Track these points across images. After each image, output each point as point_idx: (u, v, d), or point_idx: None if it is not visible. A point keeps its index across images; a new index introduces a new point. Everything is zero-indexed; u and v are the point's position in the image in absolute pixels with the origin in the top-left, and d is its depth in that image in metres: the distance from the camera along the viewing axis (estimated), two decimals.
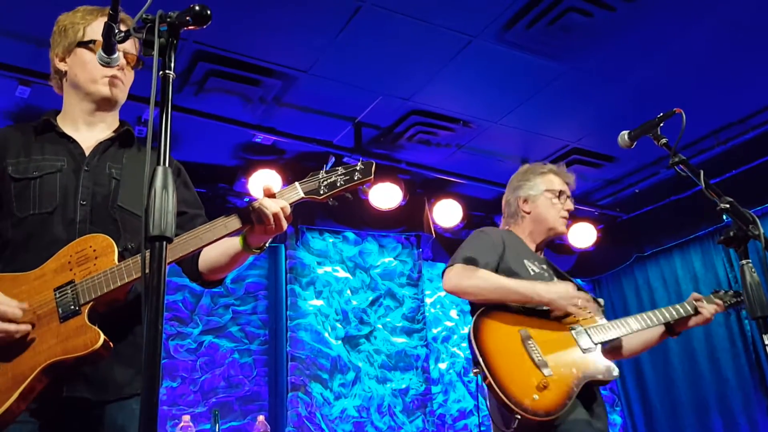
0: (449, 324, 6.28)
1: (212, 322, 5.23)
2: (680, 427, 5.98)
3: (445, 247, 5.99)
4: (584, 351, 2.64)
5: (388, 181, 5.10)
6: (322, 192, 1.83)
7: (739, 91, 4.62)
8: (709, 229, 5.85)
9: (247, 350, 5.28)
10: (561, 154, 5.31)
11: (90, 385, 1.76)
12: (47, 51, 2.06)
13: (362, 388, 5.38)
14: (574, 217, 5.36)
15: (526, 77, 4.34)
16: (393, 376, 5.54)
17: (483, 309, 2.67)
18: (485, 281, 2.65)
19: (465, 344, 6.24)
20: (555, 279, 2.86)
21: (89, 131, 2.01)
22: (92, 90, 1.97)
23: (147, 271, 1.29)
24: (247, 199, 5.04)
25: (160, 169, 1.33)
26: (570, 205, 3.01)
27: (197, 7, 1.44)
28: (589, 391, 2.59)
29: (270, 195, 1.79)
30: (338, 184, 1.84)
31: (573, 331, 2.69)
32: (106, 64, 1.69)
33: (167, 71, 1.41)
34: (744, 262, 2.04)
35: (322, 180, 1.84)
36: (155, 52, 1.42)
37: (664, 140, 2.27)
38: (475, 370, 2.56)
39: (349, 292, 5.64)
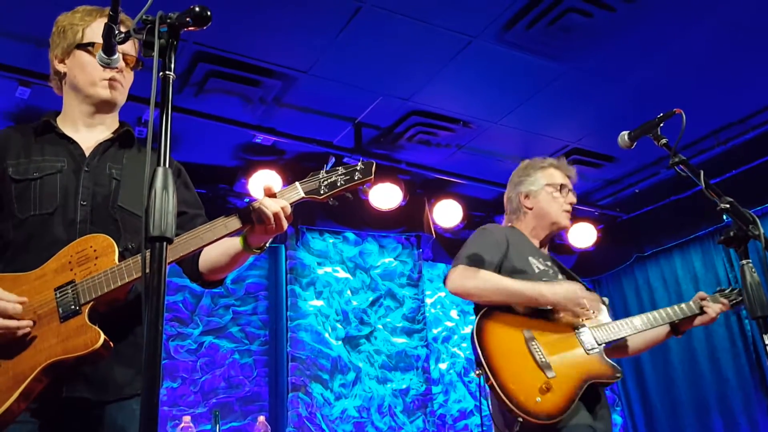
0: (449, 324, 6.28)
1: (212, 323, 5.23)
2: (680, 427, 5.98)
3: (446, 247, 6.00)
4: (588, 352, 2.62)
5: (388, 182, 5.10)
6: (322, 192, 1.83)
7: (739, 91, 4.63)
8: (709, 229, 5.85)
9: (247, 351, 5.28)
10: (561, 155, 5.30)
11: (90, 385, 1.76)
12: (47, 51, 2.05)
13: (363, 389, 5.38)
14: (574, 217, 5.36)
15: (526, 77, 4.34)
16: (393, 377, 5.54)
17: (486, 309, 2.65)
18: (488, 282, 2.62)
19: (465, 344, 6.24)
20: (560, 276, 2.84)
21: (89, 132, 2.01)
22: (91, 92, 1.97)
23: (147, 271, 1.29)
24: (247, 200, 5.04)
25: (160, 170, 1.33)
26: (572, 198, 2.97)
27: (197, 8, 1.44)
28: (593, 392, 2.57)
29: (270, 195, 1.79)
30: (338, 184, 1.84)
31: (577, 332, 2.67)
32: (107, 65, 1.69)
33: (167, 72, 1.41)
34: (744, 262, 2.03)
35: (322, 180, 1.84)
36: (155, 53, 1.42)
37: (664, 140, 2.27)
38: (477, 372, 2.53)
39: (349, 292, 5.64)
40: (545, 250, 2.98)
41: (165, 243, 1.30)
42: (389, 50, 4.00)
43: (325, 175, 1.84)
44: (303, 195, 1.82)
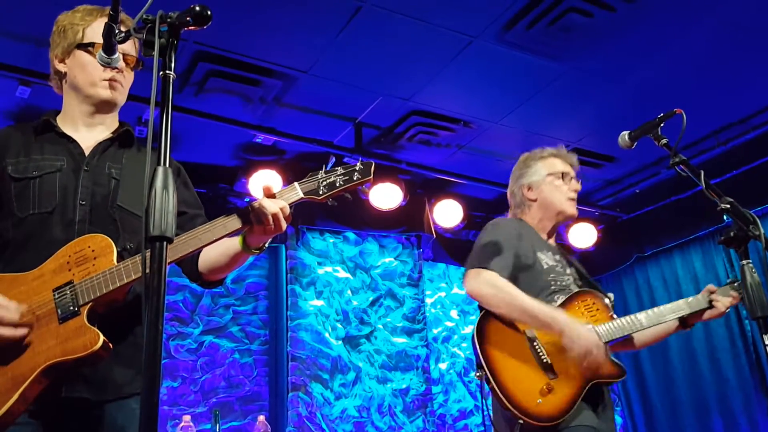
0: (449, 324, 6.28)
1: (213, 322, 5.23)
2: (680, 427, 5.97)
3: (446, 247, 6.00)
4: None
5: (389, 182, 5.10)
6: (321, 192, 1.82)
7: (740, 92, 4.62)
8: (709, 230, 5.86)
9: (247, 350, 5.28)
10: None
11: (89, 385, 1.75)
12: (47, 51, 2.05)
13: (363, 388, 5.38)
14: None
15: (527, 77, 4.34)
16: (393, 376, 5.54)
17: (487, 309, 2.60)
18: (505, 296, 2.51)
19: (465, 344, 6.24)
20: (568, 270, 2.78)
21: (89, 132, 2.00)
22: (91, 93, 1.97)
23: (147, 271, 1.29)
24: (247, 200, 5.04)
25: (160, 170, 1.33)
26: (576, 185, 2.89)
27: (197, 8, 1.43)
28: (597, 391, 2.52)
29: (270, 194, 1.78)
30: (337, 185, 1.83)
31: None
32: (107, 65, 1.69)
33: (167, 71, 1.41)
34: (744, 262, 2.03)
35: (321, 180, 1.83)
36: (155, 53, 1.42)
37: (664, 140, 2.26)
38: (477, 374, 2.50)
39: (349, 292, 5.64)
40: (552, 241, 2.90)
41: (165, 243, 1.30)
42: (389, 50, 3.99)
43: (324, 175, 1.83)
44: (302, 195, 1.82)
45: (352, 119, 4.75)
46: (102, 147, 1.98)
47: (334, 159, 4.91)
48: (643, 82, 4.39)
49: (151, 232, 1.29)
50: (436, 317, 6.23)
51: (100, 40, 1.67)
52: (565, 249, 3.13)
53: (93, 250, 1.76)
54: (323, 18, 3.69)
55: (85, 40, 1.97)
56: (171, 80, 1.41)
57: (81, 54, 1.97)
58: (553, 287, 2.68)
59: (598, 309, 2.66)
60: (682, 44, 4.05)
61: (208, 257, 1.94)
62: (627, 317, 2.70)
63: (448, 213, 5.65)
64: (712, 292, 2.84)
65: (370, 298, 5.70)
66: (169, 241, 1.30)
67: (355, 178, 1.84)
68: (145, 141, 1.57)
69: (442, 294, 6.34)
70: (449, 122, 4.81)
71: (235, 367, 5.19)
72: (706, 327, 5.78)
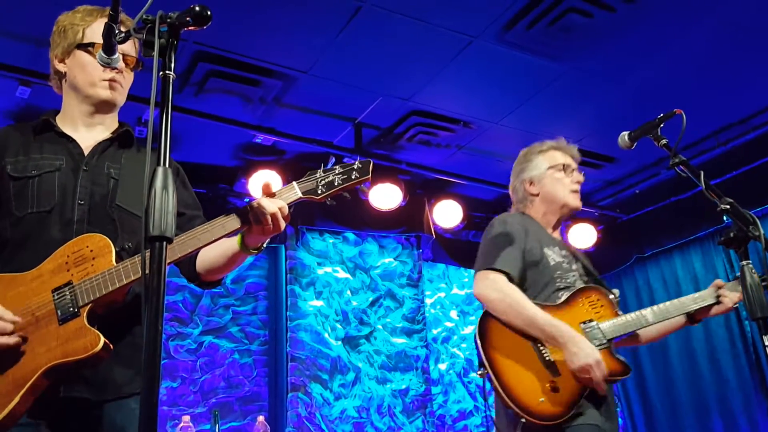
0: (449, 324, 6.28)
1: (212, 323, 5.23)
2: (680, 427, 5.97)
3: (446, 247, 5.99)
4: (597, 347, 2.49)
5: (388, 182, 5.10)
6: (320, 191, 1.81)
7: (740, 92, 4.62)
8: (709, 230, 5.85)
9: (247, 351, 5.28)
10: None
11: (89, 385, 1.75)
12: (47, 51, 2.05)
13: (362, 389, 5.38)
14: (574, 217, 5.38)
15: (527, 78, 4.33)
16: (393, 377, 5.53)
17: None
18: (517, 310, 2.49)
19: (465, 345, 6.24)
20: (574, 266, 2.75)
21: (88, 132, 2.00)
22: (91, 93, 1.97)
23: (147, 271, 1.29)
24: (247, 200, 5.03)
25: (160, 170, 1.33)
26: (579, 176, 2.86)
27: (197, 8, 1.43)
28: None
29: (269, 192, 1.78)
30: (336, 184, 1.82)
31: (585, 328, 2.56)
32: (107, 65, 1.69)
33: (167, 72, 1.41)
34: (744, 263, 2.03)
35: (319, 179, 1.82)
36: (155, 53, 1.41)
37: (664, 141, 2.26)
38: (479, 372, 2.48)
39: (349, 292, 5.64)
40: (558, 235, 2.87)
41: (165, 243, 1.29)
42: (389, 50, 3.99)
43: (323, 174, 1.83)
44: (300, 195, 1.81)
45: (352, 119, 4.75)
46: (101, 147, 1.98)
47: (333, 159, 4.91)
48: (643, 82, 4.39)
49: (150, 232, 1.28)
50: (436, 318, 6.23)
51: (100, 40, 1.67)
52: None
53: (91, 250, 1.75)
54: (323, 18, 3.69)
55: (85, 41, 1.97)
56: (171, 80, 1.41)
57: (81, 54, 1.97)
58: (558, 284, 2.66)
59: (602, 305, 2.64)
60: (682, 44, 4.05)
61: (206, 258, 1.94)
62: (632, 313, 2.67)
63: (447, 213, 5.65)
64: (719, 287, 2.81)
65: (370, 299, 5.70)
66: (169, 241, 1.30)
67: (353, 177, 1.83)
68: (144, 141, 1.57)
69: (442, 294, 6.34)
70: (449, 122, 4.81)
71: (234, 368, 5.19)
72: (706, 328, 5.78)
